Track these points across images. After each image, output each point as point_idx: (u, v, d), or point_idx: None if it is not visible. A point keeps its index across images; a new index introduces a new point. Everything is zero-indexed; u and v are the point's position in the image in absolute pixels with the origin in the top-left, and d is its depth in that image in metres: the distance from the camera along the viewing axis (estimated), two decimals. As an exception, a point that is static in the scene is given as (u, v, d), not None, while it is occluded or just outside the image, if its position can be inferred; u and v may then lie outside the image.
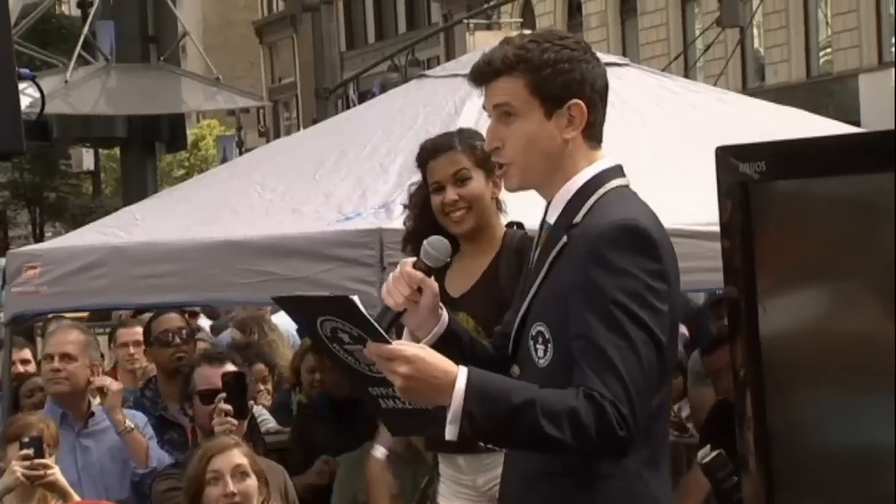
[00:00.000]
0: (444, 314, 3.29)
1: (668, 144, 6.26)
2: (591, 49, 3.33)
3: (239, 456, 4.91)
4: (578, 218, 3.18)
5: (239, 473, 4.86)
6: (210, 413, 5.34)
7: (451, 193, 4.63)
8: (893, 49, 25.66)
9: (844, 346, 2.92)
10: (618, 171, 3.27)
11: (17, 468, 5.02)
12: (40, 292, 6.57)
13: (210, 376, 5.51)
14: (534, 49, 3.22)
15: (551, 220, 3.26)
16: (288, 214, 6.12)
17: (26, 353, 7.44)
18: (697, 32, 28.36)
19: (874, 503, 2.87)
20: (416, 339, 3.26)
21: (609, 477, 3.14)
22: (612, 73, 6.49)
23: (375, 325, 3.07)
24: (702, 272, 5.21)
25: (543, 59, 3.21)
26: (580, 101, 3.22)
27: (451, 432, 3.00)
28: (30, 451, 5.04)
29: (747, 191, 3.11)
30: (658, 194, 5.90)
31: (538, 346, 3.19)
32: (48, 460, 5.12)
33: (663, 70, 11.92)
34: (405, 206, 5.01)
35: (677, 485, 7.49)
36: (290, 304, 3.43)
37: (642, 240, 3.11)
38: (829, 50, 27.94)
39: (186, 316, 7.41)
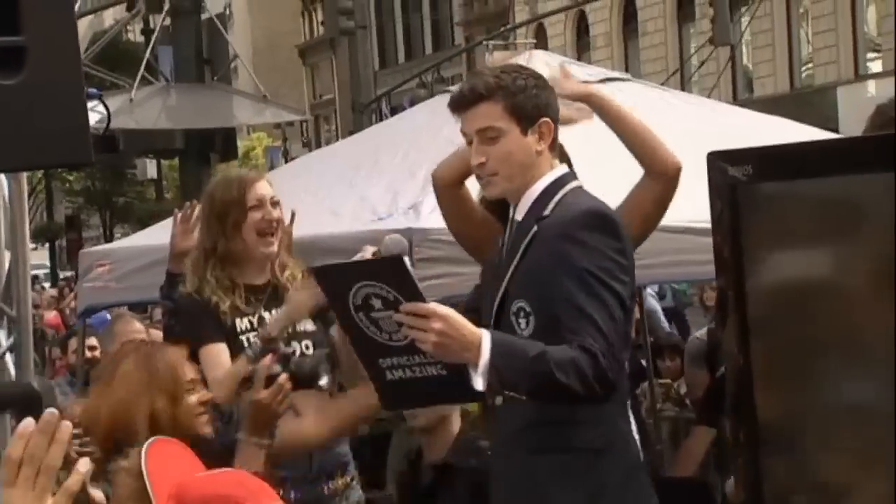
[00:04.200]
0: None
1: (666, 150, 6.22)
2: (546, 81, 3.58)
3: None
4: (547, 211, 3.38)
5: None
6: None
7: None
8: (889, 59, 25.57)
9: (823, 328, 2.92)
10: (573, 175, 3.53)
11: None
12: (109, 287, 6.58)
13: None
14: (507, 78, 3.44)
15: (519, 217, 3.44)
16: (327, 216, 6.12)
17: (93, 341, 7.45)
18: (692, 50, 28.30)
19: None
20: None
21: (586, 423, 3.32)
22: (616, 87, 6.61)
23: (416, 285, 3.09)
24: (696, 264, 5.20)
25: (518, 86, 3.43)
26: (549, 119, 3.44)
27: (479, 384, 3.10)
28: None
29: (736, 191, 3.10)
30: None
31: (520, 320, 3.33)
32: None
33: (662, 84, 11.89)
34: None
35: (679, 453, 7.49)
36: (326, 274, 3.30)
37: (608, 223, 3.33)
38: (810, 65, 27.84)
39: None
